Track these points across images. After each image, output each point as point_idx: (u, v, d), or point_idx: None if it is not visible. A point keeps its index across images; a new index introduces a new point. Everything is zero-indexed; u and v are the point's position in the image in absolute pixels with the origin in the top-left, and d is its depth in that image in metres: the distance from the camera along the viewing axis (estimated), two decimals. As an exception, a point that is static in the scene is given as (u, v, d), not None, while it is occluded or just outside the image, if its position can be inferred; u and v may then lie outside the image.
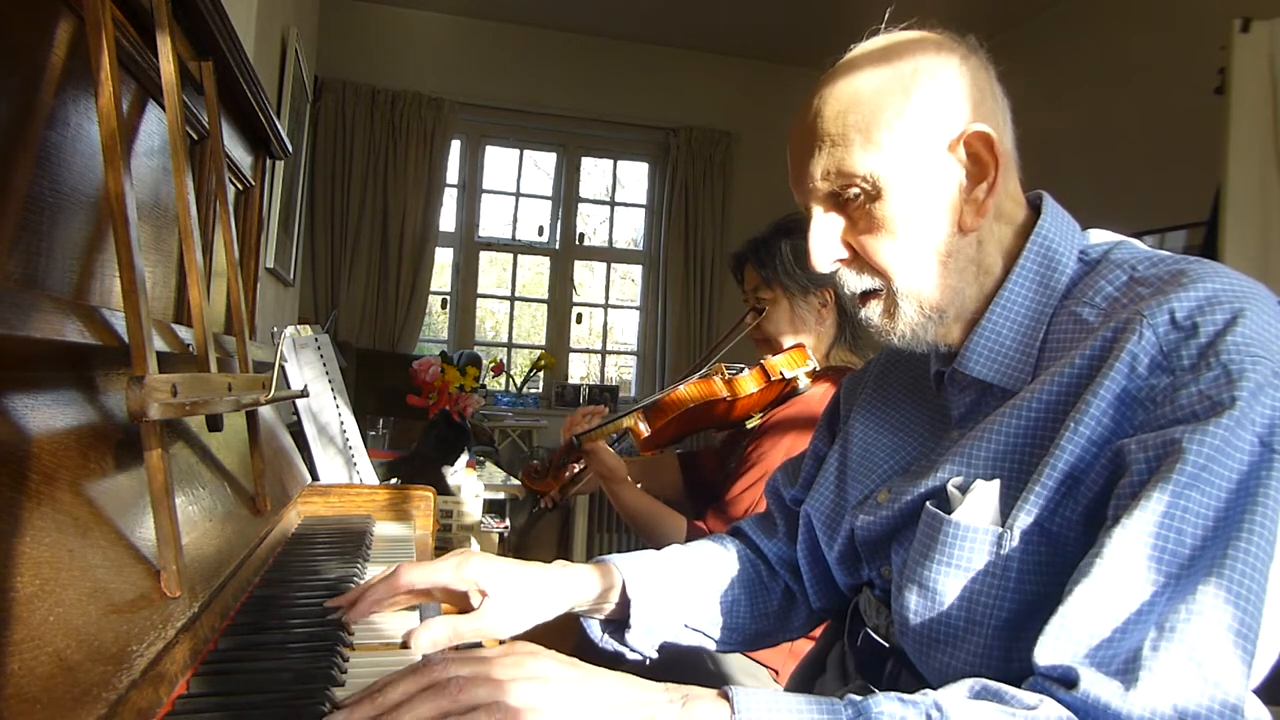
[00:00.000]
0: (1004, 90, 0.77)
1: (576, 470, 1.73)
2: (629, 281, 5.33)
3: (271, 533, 0.94)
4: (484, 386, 4.58)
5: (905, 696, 0.57)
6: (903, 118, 0.71)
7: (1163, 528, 0.57)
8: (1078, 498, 0.64)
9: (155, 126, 0.84)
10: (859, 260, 0.76)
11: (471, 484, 1.93)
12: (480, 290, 4.82)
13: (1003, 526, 0.66)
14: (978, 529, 0.67)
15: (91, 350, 0.59)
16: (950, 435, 0.79)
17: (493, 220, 4.91)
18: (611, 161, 5.03)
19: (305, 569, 0.89)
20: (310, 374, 1.50)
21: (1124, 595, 0.56)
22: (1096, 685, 0.54)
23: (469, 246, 4.70)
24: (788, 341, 1.60)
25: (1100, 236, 0.78)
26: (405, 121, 4.30)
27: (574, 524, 3.74)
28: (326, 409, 1.51)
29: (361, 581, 0.84)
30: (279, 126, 1.21)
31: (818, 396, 1.53)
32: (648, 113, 4.78)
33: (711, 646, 0.94)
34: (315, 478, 1.39)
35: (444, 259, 4.64)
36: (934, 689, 0.60)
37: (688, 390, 1.51)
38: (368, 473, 1.54)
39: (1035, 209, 0.78)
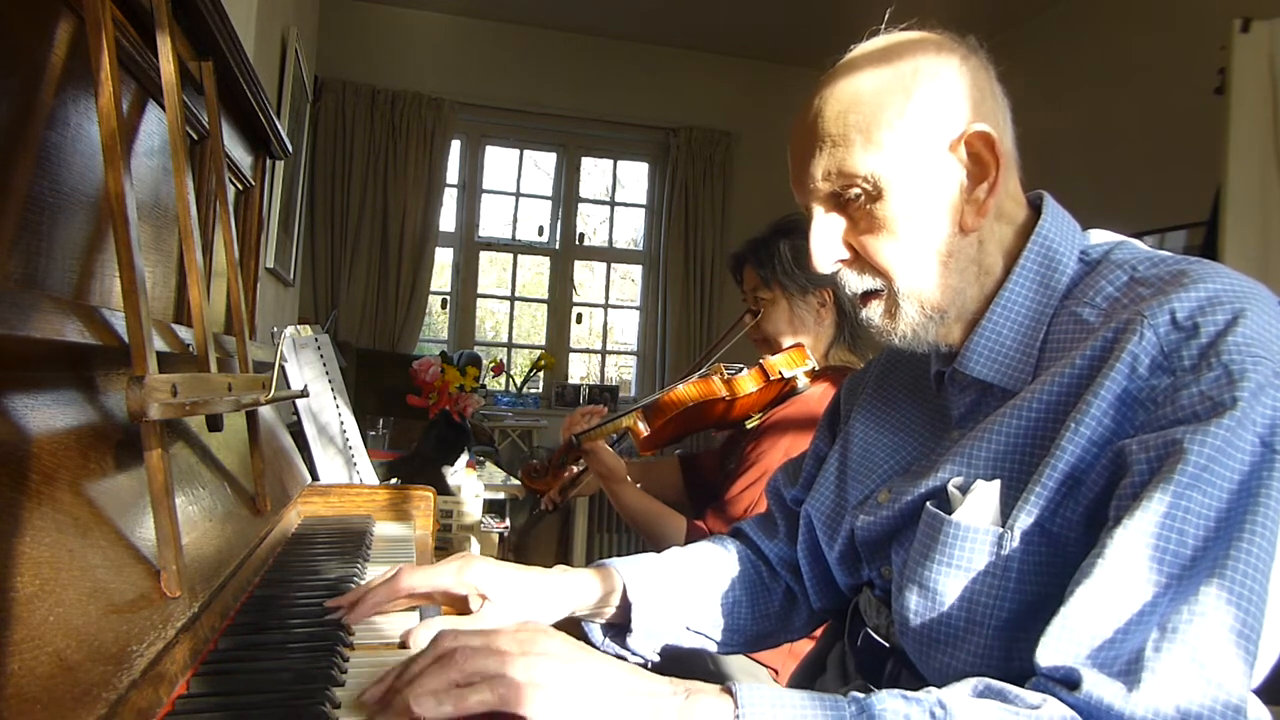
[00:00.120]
0: (1004, 90, 0.77)
1: (576, 472, 1.73)
2: (629, 281, 5.33)
3: (271, 533, 0.94)
4: (484, 386, 4.58)
5: (908, 694, 0.57)
6: (903, 118, 0.71)
7: (1164, 528, 0.57)
8: (1078, 498, 0.64)
9: (155, 126, 0.84)
10: (860, 260, 0.76)
11: (471, 484, 1.93)
12: (480, 290, 4.82)
13: (1003, 527, 0.66)
14: (978, 529, 0.67)
15: (91, 350, 0.59)
16: (951, 435, 0.79)
17: (493, 220, 4.91)
18: (611, 161, 5.03)
19: (305, 569, 0.89)
20: (310, 374, 1.50)
21: (1126, 596, 0.56)
22: (1099, 686, 0.54)
23: (469, 246, 4.70)
24: (787, 341, 1.60)
25: (1101, 237, 0.78)
26: (405, 121, 4.30)
27: (574, 524, 3.74)
28: (326, 409, 1.51)
29: (361, 582, 0.84)
30: (279, 126, 1.21)
31: (817, 396, 1.53)
32: (648, 113, 4.78)
33: (713, 648, 0.94)
34: (315, 478, 1.39)
35: (444, 259, 4.64)
36: (936, 688, 0.60)
37: (686, 390, 1.51)
38: (368, 473, 1.54)
39: (1036, 209, 0.78)
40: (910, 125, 0.71)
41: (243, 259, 1.13)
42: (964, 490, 0.70)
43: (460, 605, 0.80)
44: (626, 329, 5.30)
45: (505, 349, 5.00)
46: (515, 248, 4.89)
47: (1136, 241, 0.77)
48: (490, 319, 5.67)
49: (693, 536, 1.47)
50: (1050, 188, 0.79)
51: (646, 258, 5.00)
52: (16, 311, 0.48)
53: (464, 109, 4.44)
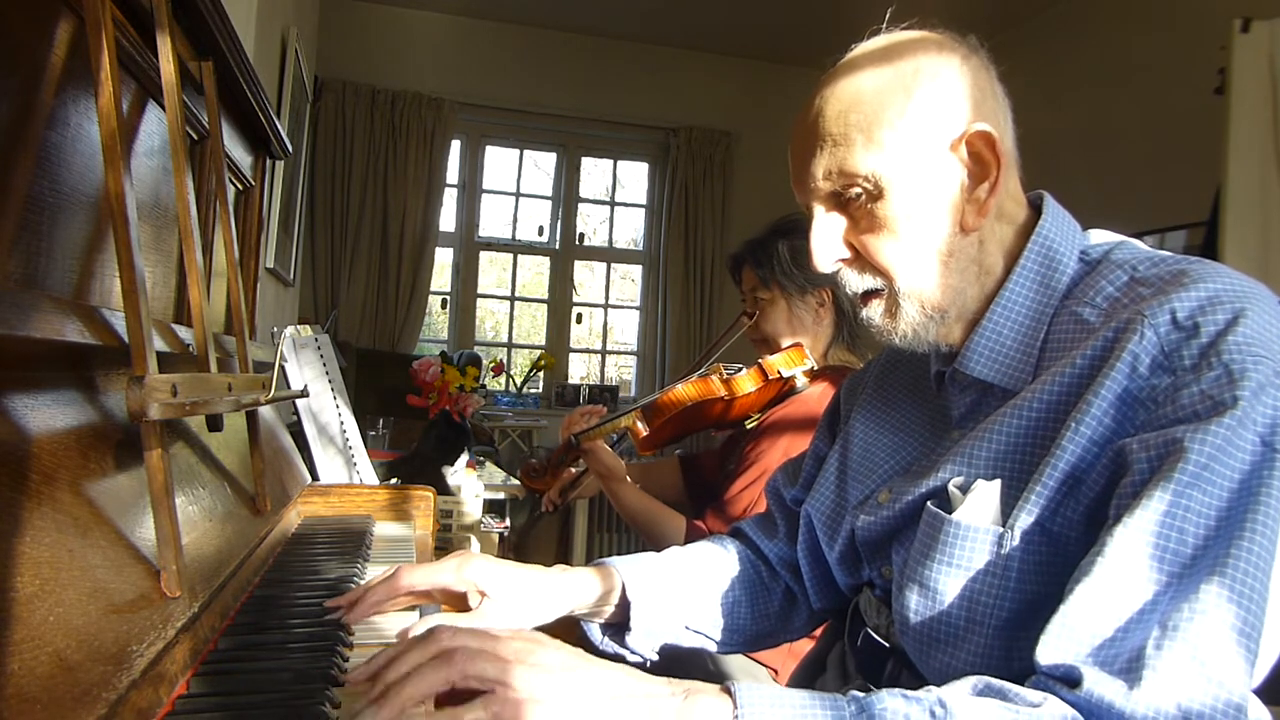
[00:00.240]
0: (1004, 90, 0.77)
1: (576, 474, 1.73)
2: (629, 281, 5.33)
3: (271, 533, 0.94)
4: (484, 386, 4.58)
5: (909, 693, 0.57)
6: (904, 117, 0.71)
7: (1164, 527, 0.57)
8: (1079, 498, 0.64)
9: (155, 126, 0.84)
10: (861, 260, 0.76)
11: (471, 484, 1.93)
12: (480, 290, 4.82)
13: (1003, 526, 0.66)
14: (978, 529, 0.67)
15: (91, 350, 0.59)
16: (951, 435, 0.79)
17: (493, 220, 4.91)
18: (611, 161, 5.03)
19: (305, 569, 0.89)
20: (310, 374, 1.50)
21: (1126, 594, 0.56)
22: (1100, 684, 0.54)
23: (469, 246, 4.70)
24: (785, 341, 1.60)
25: (1101, 236, 0.78)
26: (405, 121, 4.30)
27: (574, 524, 3.74)
28: (326, 409, 1.51)
29: (361, 581, 0.84)
30: (279, 126, 1.21)
31: (816, 396, 1.53)
32: (648, 113, 4.78)
33: (712, 648, 0.94)
34: (315, 478, 1.39)
35: (444, 259, 4.64)
36: (936, 687, 0.60)
37: (685, 390, 1.51)
38: (368, 473, 1.54)
39: (1036, 209, 0.78)
40: (911, 125, 0.71)
41: (243, 259, 1.13)
42: (964, 490, 0.70)
43: (459, 603, 0.80)
44: (626, 329, 5.30)
45: (505, 349, 5.00)
46: (515, 248, 4.89)
47: (1136, 241, 0.77)
48: (490, 319, 5.67)
49: (692, 536, 1.47)
50: (1050, 188, 0.79)
51: (646, 258, 5.00)
52: (16, 311, 0.48)
53: (464, 109, 4.44)
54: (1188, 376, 0.61)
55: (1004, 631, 0.66)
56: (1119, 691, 0.53)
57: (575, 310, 4.91)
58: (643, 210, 5.06)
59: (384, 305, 4.33)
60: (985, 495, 0.68)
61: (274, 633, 0.70)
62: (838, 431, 0.96)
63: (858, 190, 0.73)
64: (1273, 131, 2.50)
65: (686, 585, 0.92)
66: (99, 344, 0.57)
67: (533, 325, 5.73)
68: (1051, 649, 0.57)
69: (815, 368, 1.56)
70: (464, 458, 1.96)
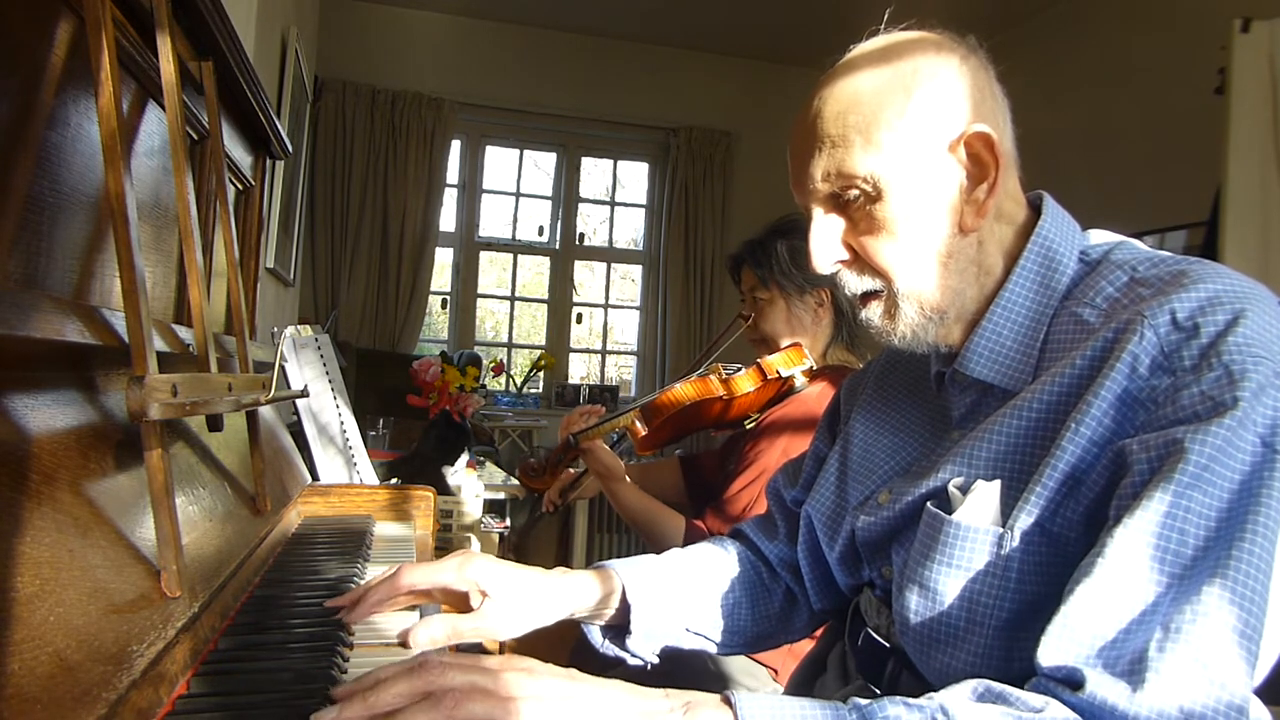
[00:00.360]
0: (1004, 90, 0.77)
1: (576, 474, 1.73)
2: (629, 281, 5.33)
3: (271, 533, 0.94)
4: (484, 386, 4.58)
5: (910, 700, 0.57)
6: (903, 118, 0.71)
7: (1165, 528, 0.57)
8: (1079, 498, 0.64)
9: (155, 126, 0.84)
10: (859, 261, 0.76)
11: (471, 484, 1.93)
12: (480, 290, 4.82)
13: (1003, 527, 0.66)
14: (978, 529, 0.67)
15: (91, 350, 0.59)
16: (951, 436, 0.79)
17: (493, 220, 4.91)
18: (611, 161, 5.03)
19: (305, 569, 0.89)
20: (310, 374, 1.50)
21: (1127, 595, 0.56)
22: (1103, 686, 0.54)
23: (469, 246, 4.70)
24: (785, 341, 1.60)
25: (1101, 237, 0.78)
26: (405, 121, 4.30)
27: (574, 525, 3.74)
28: (326, 409, 1.51)
29: (362, 581, 0.84)
30: (279, 126, 1.21)
31: (815, 395, 1.53)
32: (648, 113, 4.78)
33: (713, 649, 0.94)
34: (315, 478, 1.39)
35: (444, 259, 4.64)
36: (935, 689, 0.60)
37: (684, 389, 1.51)
38: (368, 473, 1.54)
39: (1035, 209, 0.78)
40: (909, 126, 0.71)
41: (243, 259, 1.13)
42: (964, 490, 0.70)
43: (460, 603, 0.80)
44: (626, 329, 5.30)
45: (505, 349, 5.00)
46: (515, 248, 4.89)
47: (1136, 242, 0.77)
48: (490, 319, 5.67)
49: (691, 536, 1.47)
50: (1050, 188, 0.79)
51: (646, 258, 5.00)
52: (16, 311, 0.48)
53: (464, 109, 4.44)
54: (1188, 377, 0.61)
55: (1004, 632, 0.66)
56: (1122, 693, 0.53)
57: (575, 310, 4.91)
58: (643, 210, 5.06)
59: (384, 305, 4.33)
60: (985, 496, 0.68)
61: (274, 633, 0.70)
62: (838, 432, 0.96)
63: (856, 192, 0.73)
64: (1273, 131, 2.50)
65: (686, 587, 0.92)
66: (99, 344, 0.57)
67: (533, 325, 5.73)
68: (1053, 650, 0.57)
69: (814, 367, 1.56)
70: (464, 458, 1.96)
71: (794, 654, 1.36)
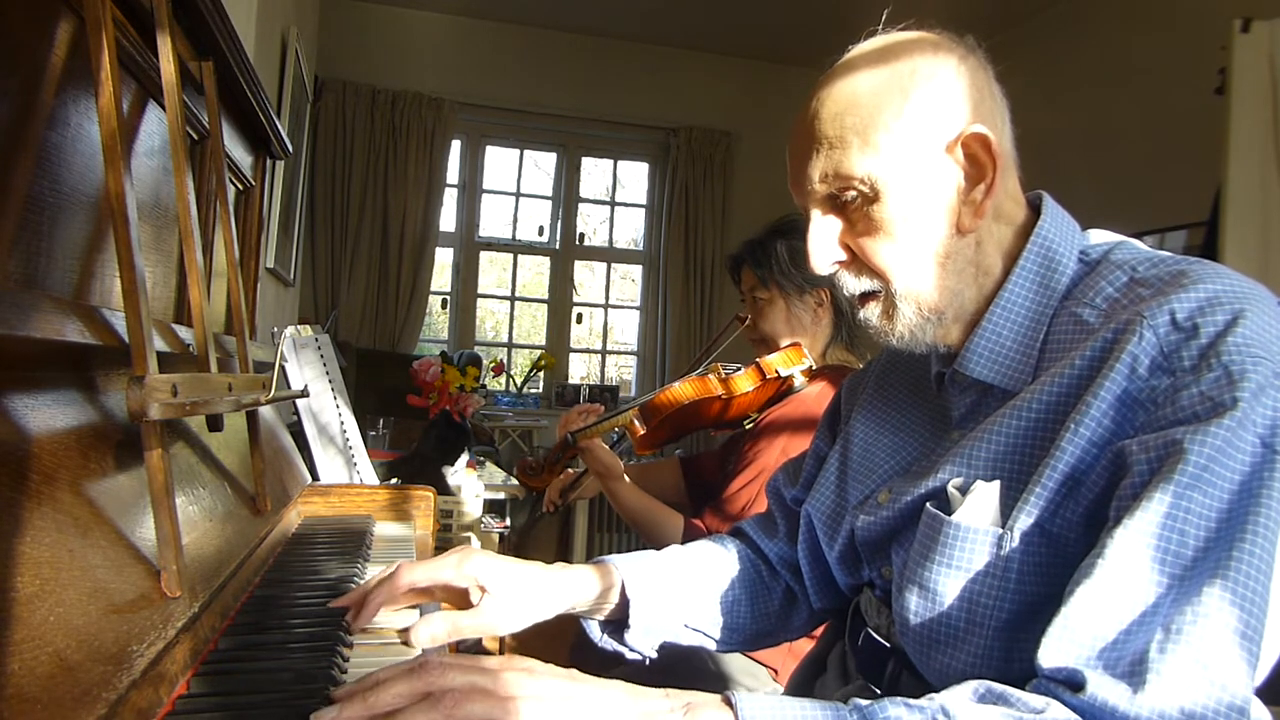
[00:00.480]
0: (1003, 90, 0.77)
1: (576, 474, 1.73)
2: (629, 281, 5.33)
3: (272, 533, 0.94)
4: (484, 386, 4.58)
5: (911, 701, 0.57)
6: (900, 119, 0.71)
7: (1165, 528, 0.57)
8: (1078, 499, 0.64)
9: (155, 126, 0.84)
10: (857, 262, 0.76)
11: (471, 484, 1.93)
12: (480, 290, 4.82)
13: (1003, 527, 0.66)
14: (978, 530, 0.67)
15: (91, 350, 0.60)
16: (951, 436, 0.79)
17: (493, 220, 4.91)
18: (611, 161, 5.03)
19: (305, 569, 0.89)
20: (310, 374, 1.50)
21: (1127, 596, 0.56)
22: (1104, 688, 0.54)
23: (469, 246, 4.70)
24: (784, 341, 1.60)
25: (1100, 237, 0.78)
26: (405, 121, 4.30)
27: (574, 524, 3.74)
28: (326, 409, 1.51)
29: (362, 581, 0.84)
30: (279, 126, 1.21)
31: (814, 395, 1.53)
32: (648, 113, 4.78)
33: (712, 646, 0.94)
34: (315, 478, 1.39)
35: (444, 259, 4.64)
36: (935, 690, 0.60)
37: (683, 388, 1.51)
38: (368, 473, 1.54)
39: (1035, 209, 0.78)
40: (907, 127, 0.71)
41: (243, 259, 1.13)
42: (964, 491, 0.70)
43: (460, 602, 0.80)
44: (626, 329, 5.30)
45: (505, 349, 5.00)
46: (515, 248, 4.89)
47: (1136, 242, 0.77)
48: (490, 319, 5.67)
49: (690, 535, 1.47)
50: (1050, 188, 0.79)
51: (646, 258, 5.01)
52: (16, 311, 0.48)
53: (464, 109, 4.44)
54: (1187, 378, 0.61)
55: (1004, 632, 0.66)
56: (1123, 695, 0.53)
57: (575, 310, 4.91)
58: (643, 210, 5.06)
59: (384, 305, 4.33)
60: (984, 496, 0.68)
61: (274, 633, 0.70)
62: (838, 431, 0.96)
63: (854, 193, 0.73)
64: (1273, 131, 2.50)
65: (686, 583, 0.92)
66: (99, 344, 0.57)
67: (533, 325, 5.73)
68: (1053, 651, 0.57)
69: (813, 367, 1.56)
70: (464, 458, 1.96)
71: (794, 654, 1.37)
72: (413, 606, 0.81)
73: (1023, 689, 0.58)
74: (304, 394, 1.30)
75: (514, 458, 4.26)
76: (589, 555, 3.95)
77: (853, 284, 0.77)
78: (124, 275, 0.57)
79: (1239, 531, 0.56)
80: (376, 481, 1.58)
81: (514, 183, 4.88)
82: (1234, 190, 2.51)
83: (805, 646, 1.13)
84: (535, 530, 3.86)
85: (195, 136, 0.96)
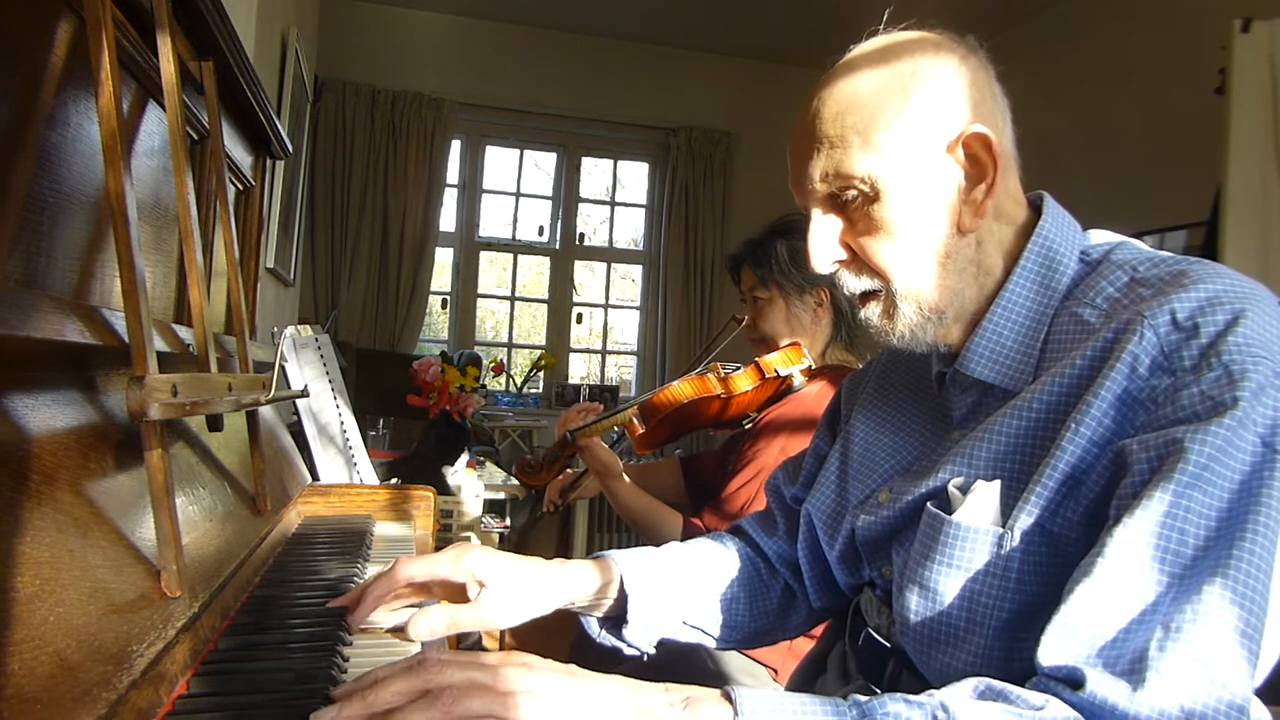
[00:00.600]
0: (1004, 90, 0.77)
1: (576, 474, 1.73)
2: (629, 281, 5.33)
3: (272, 533, 0.94)
4: (484, 386, 4.58)
5: (910, 697, 0.57)
6: (901, 119, 0.71)
7: (1165, 527, 0.57)
8: (1079, 498, 0.64)
9: (155, 126, 0.84)
10: (858, 261, 0.76)
11: (471, 484, 1.93)
12: (480, 290, 4.82)
13: (1003, 527, 0.66)
14: (978, 529, 0.67)
15: (91, 350, 0.59)
16: (951, 435, 0.79)
17: (493, 220, 4.91)
18: (611, 161, 5.03)
19: (305, 569, 0.89)
20: (310, 374, 1.50)
21: (1127, 595, 0.56)
22: (1103, 686, 0.54)
23: (469, 246, 4.70)
24: (784, 341, 1.60)
25: (1101, 237, 0.78)
26: (405, 121, 4.30)
27: (574, 524, 3.74)
28: (326, 409, 1.51)
29: (362, 581, 0.84)
30: (279, 126, 1.21)
31: (813, 395, 1.53)
32: (648, 113, 4.78)
33: (710, 644, 0.94)
34: (315, 478, 1.39)
35: (444, 259, 4.64)
36: (936, 689, 0.60)
37: (682, 387, 1.51)
38: (368, 473, 1.54)
39: (1036, 209, 0.78)
40: (907, 127, 0.71)
41: (243, 259, 1.13)
42: (964, 490, 0.70)
43: (459, 595, 0.80)
44: (626, 329, 5.30)
45: (505, 349, 5.00)
46: (515, 248, 4.89)
47: (1137, 242, 0.77)
48: (490, 319, 5.68)
49: (689, 534, 1.47)
50: (1050, 188, 0.79)
51: (646, 258, 5.00)
52: (16, 311, 0.48)
53: (464, 109, 4.44)
54: (1188, 377, 0.61)
55: (1004, 632, 0.66)
56: (1122, 693, 0.53)
57: (575, 310, 4.91)
58: (643, 210, 5.06)
59: (384, 305, 4.33)
60: (985, 496, 0.68)
61: (274, 633, 0.70)
62: (838, 431, 0.96)
63: (854, 192, 0.73)
64: (1273, 131, 2.50)
65: (685, 580, 0.92)
66: (99, 344, 0.57)
67: (533, 325, 5.73)
68: (1053, 650, 0.57)
69: (813, 367, 1.56)
70: (464, 458, 1.96)
71: (794, 653, 1.37)
72: (411, 605, 0.81)
73: (1023, 688, 0.58)
74: (304, 394, 1.30)
75: (514, 458, 4.26)
76: (588, 555, 3.94)
77: (853, 283, 0.77)
78: (124, 275, 0.57)
79: (1239, 530, 0.56)
80: (376, 481, 1.58)
81: (514, 183, 4.88)
82: (1234, 190, 2.51)
83: (805, 646, 1.12)
84: (535, 530, 3.86)
85: (195, 136, 0.96)
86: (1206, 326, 0.62)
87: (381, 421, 2.46)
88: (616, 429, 1.62)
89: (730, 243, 4.54)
